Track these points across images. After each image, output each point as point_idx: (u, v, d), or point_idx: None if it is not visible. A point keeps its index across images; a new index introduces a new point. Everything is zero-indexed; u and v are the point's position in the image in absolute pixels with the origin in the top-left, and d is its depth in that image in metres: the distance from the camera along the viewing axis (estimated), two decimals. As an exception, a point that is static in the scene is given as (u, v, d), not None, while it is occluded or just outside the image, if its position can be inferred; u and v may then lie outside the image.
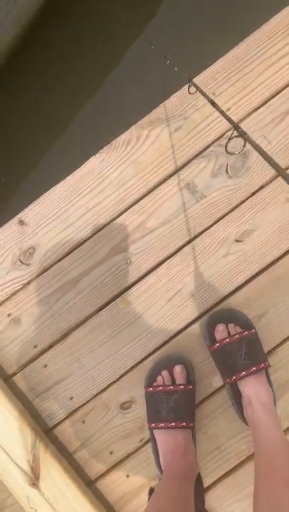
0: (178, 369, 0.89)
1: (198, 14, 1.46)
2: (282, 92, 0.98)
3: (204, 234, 0.96)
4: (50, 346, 0.97)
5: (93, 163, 1.00)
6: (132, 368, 0.95)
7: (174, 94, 1.00)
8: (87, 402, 0.95)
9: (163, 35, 1.43)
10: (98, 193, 0.99)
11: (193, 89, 0.80)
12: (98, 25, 1.51)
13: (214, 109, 0.73)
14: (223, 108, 0.98)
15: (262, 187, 0.96)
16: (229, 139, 0.69)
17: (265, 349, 0.91)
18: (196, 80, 0.99)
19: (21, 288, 0.98)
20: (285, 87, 0.98)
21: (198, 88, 0.76)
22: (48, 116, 1.44)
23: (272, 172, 0.96)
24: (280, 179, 0.96)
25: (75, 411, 0.95)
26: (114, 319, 0.96)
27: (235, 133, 0.62)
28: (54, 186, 0.99)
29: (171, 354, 0.93)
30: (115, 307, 0.96)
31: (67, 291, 0.98)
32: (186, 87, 0.98)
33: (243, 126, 0.97)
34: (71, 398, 0.95)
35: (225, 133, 0.98)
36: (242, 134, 0.60)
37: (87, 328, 0.97)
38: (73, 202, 0.99)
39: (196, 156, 0.99)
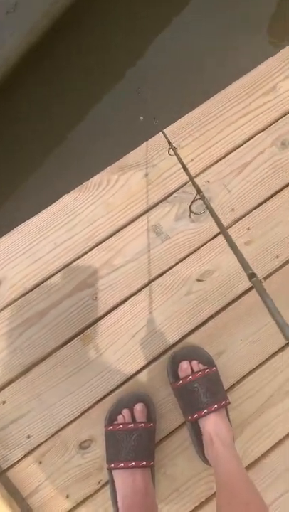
0: (138, 407, 0.89)
1: (172, 74, 1.61)
2: (240, 147, 1.08)
3: (168, 273, 1.01)
4: (11, 381, 0.95)
5: (66, 200, 1.04)
6: (94, 405, 0.94)
7: (143, 144, 1.09)
8: (46, 441, 0.92)
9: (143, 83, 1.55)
10: (68, 229, 1.03)
11: (171, 151, 0.90)
12: (79, 65, 1.63)
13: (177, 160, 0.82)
14: (188, 159, 1.07)
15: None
16: (193, 201, 0.78)
17: (225, 386, 0.93)
18: (168, 129, 1.09)
19: (-16, 321, 0.98)
20: (243, 143, 1.09)
21: (176, 154, 0.84)
22: (21, 156, 1.50)
23: (231, 218, 1.04)
24: (239, 224, 1.04)
25: (32, 451, 0.91)
26: (77, 355, 0.97)
27: (198, 196, 0.70)
28: (25, 221, 1.03)
29: (133, 392, 0.94)
30: (79, 342, 0.97)
31: (31, 325, 0.98)
32: (156, 137, 1.08)
33: (206, 176, 1.06)
34: (29, 437, 0.92)
35: (187, 182, 1.06)
36: (203, 198, 0.67)
37: (50, 363, 0.96)
38: (44, 237, 1.02)
39: (162, 200, 1.06)
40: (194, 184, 0.71)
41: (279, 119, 1.10)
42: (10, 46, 1.58)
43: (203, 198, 0.68)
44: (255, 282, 0.41)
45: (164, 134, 0.95)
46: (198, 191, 0.69)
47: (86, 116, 1.59)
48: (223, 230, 0.54)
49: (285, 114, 1.11)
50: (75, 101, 1.60)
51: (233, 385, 0.95)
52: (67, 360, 0.96)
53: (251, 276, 0.42)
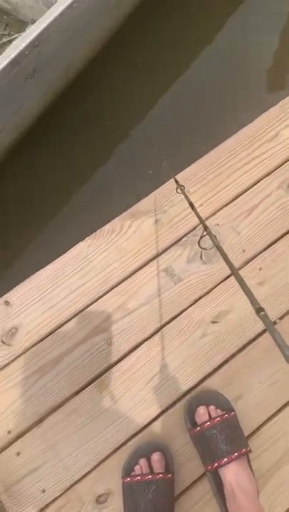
0: (156, 457, 0.86)
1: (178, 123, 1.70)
2: (248, 191, 1.12)
3: (181, 315, 1.01)
4: (25, 432, 0.93)
5: (80, 247, 1.08)
6: (109, 455, 0.91)
7: (155, 191, 1.13)
8: (60, 495, 0.88)
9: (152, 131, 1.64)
10: (82, 275, 1.05)
11: (179, 190, 0.93)
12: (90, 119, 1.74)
13: (187, 205, 0.86)
14: (197, 203, 1.11)
15: (234, 272, 1.05)
16: (201, 237, 0.80)
17: (245, 433, 0.89)
18: (177, 177, 1.14)
19: (1, 369, 0.98)
20: (250, 187, 1.13)
21: (183, 193, 0.88)
22: (36, 208, 1.57)
23: (242, 259, 1.06)
24: (250, 265, 1.05)
25: (46, 506, 0.88)
26: (92, 403, 0.95)
27: (205, 233, 0.73)
28: (40, 269, 1.06)
29: (149, 441, 0.91)
30: (94, 389, 0.96)
31: (46, 373, 0.97)
32: (166, 185, 1.13)
33: (215, 219, 1.09)
34: (43, 491, 0.88)
35: (198, 225, 1.09)
36: (210, 234, 0.70)
37: (64, 411, 0.95)
38: (58, 284, 1.04)
39: (173, 244, 1.08)
40: (201, 220, 0.73)
41: (283, 163, 1.15)
42: (27, 108, 1.70)
43: (210, 233, 0.70)
44: (263, 317, 0.42)
45: (174, 179, 0.98)
46: (205, 227, 0.71)
47: (96, 169, 1.67)
48: (230, 266, 0.56)
49: (289, 159, 1.15)
50: (87, 154, 1.70)
51: (254, 431, 0.92)
52: (82, 409, 0.95)
53: (259, 310, 0.43)
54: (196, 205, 1.11)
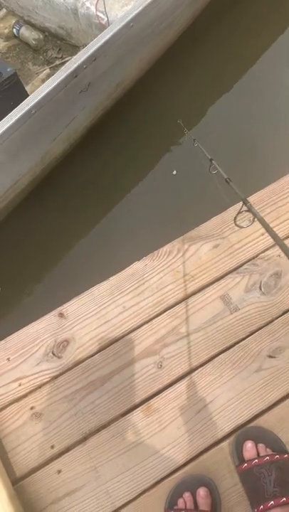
0: (202, 492, 0.81)
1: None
2: (313, 224, 1.09)
3: (237, 346, 0.97)
4: (68, 449, 0.91)
5: (137, 267, 1.08)
6: (153, 486, 0.87)
7: (215, 217, 1.12)
8: (99, 522, 0.84)
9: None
10: (137, 294, 1.05)
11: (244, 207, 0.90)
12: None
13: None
14: (261, 231, 1.08)
15: (295, 306, 1.01)
16: (239, 212, 0.77)
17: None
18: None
19: (49, 381, 0.97)
20: (315, 220, 1.09)
21: (251, 209, 0.84)
22: (101, 228, 1.62)
23: (304, 293, 1.01)
24: (312, 301, 1.01)
25: (83, 532, 0.84)
26: (138, 427, 0.92)
27: (245, 208, 0.71)
28: (98, 284, 1.06)
29: (196, 474, 0.86)
30: (141, 413, 0.93)
31: (94, 390, 0.96)
32: (228, 210, 1.12)
33: (277, 249, 1.06)
34: (82, 515, 0.85)
35: (259, 254, 1.07)
36: (251, 208, 0.69)
37: (109, 433, 0.92)
38: (113, 300, 1.04)
39: (232, 271, 1.06)
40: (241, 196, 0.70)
41: None
42: (79, 121, 1.77)
43: (251, 208, 0.67)
44: None
45: (242, 198, 0.93)
46: (245, 202, 0.68)
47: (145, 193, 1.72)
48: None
49: None
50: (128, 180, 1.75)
51: (311, 480, 0.85)
52: (128, 432, 0.92)
53: None
54: (257, 233, 1.08)
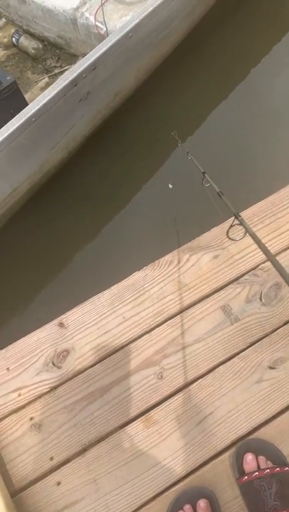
0: (202, 504, 0.81)
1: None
2: (312, 235, 1.10)
3: (237, 357, 0.98)
4: (67, 461, 0.90)
5: (137, 276, 1.08)
6: (153, 498, 0.86)
7: (214, 228, 1.13)
8: (99, 536, 0.83)
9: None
10: (138, 304, 1.04)
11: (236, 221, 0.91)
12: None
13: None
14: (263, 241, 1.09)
15: (295, 317, 1.01)
16: (231, 226, 0.80)
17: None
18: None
19: (49, 391, 0.96)
20: (314, 231, 1.10)
21: (242, 223, 0.86)
22: (101, 238, 1.63)
23: (304, 304, 1.02)
24: (311, 312, 1.01)
25: None
26: (137, 439, 0.91)
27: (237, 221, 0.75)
28: (98, 294, 1.06)
29: (196, 486, 0.85)
30: (140, 425, 0.92)
31: (93, 400, 0.95)
32: (228, 221, 1.12)
33: (279, 259, 1.07)
34: (81, 529, 0.84)
35: (259, 265, 1.07)
36: (242, 222, 0.72)
37: (108, 444, 0.91)
38: (114, 310, 1.04)
39: (232, 281, 1.06)
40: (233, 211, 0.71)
41: None
42: (77, 129, 1.78)
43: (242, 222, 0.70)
44: None
45: (233, 212, 0.94)
46: (236, 216, 0.70)
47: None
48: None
49: None
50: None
51: (312, 493, 0.84)
52: (127, 444, 0.91)
53: None
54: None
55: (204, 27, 2.11)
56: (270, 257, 0.68)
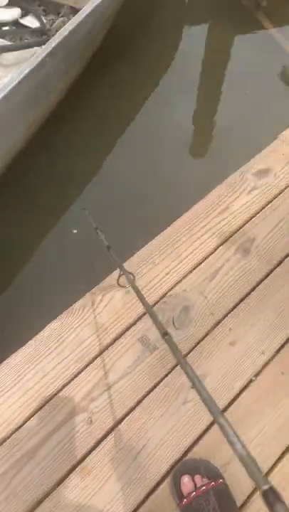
0: None
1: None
2: (209, 257, 1.21)
3: (161, 384, 1.01)
4: (4, 538, 0.84)
5: (52, 327, 1.08)
6: None
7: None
8: None
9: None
10: (57, 354, 1.04)
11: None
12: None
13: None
14: (163, 273, 1.17)
15: (206, 334, 1.08)
16: (119, 276, 0.95)
17: (238, 502, 0.86)
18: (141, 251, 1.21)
19: (-27, 466, 0.90)
20: (210, 254, 1.21)
21: (126, 275, 0.95)
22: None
23: (213, 320, 1.10)
24: (220, 326, 1.09)
25: None
26: (76, 492, 0.89)
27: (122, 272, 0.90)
28: (14, 352, 1.04)
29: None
30: (76, 477, 0.90)
31: (24, 465, 0.91)
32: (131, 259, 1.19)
33: (182, 286, 1.15)
34: None
35: (167, 292, 1.15)
36: (126, 272, 0.86)
37: (48, 505, 0.87)
38: (31, 367, 1.02)
39: (145, 313, 1.12)
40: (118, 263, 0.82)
41: (237, 231, 1.26)
42: None
43: (126, 272, 0.83)
44: (168, 340, 0.52)
45: (119, 267, 0.96)
46: (120, 267, 0.83)
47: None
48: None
49: (241, 227, 1.27)
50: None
51: (246, 500, 0.88)
52: (65, 501, 0.88)
53: (164, 334, 0.53)
54: (162, 274, 1.17)
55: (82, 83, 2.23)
56: (148, 309, 0.75)
